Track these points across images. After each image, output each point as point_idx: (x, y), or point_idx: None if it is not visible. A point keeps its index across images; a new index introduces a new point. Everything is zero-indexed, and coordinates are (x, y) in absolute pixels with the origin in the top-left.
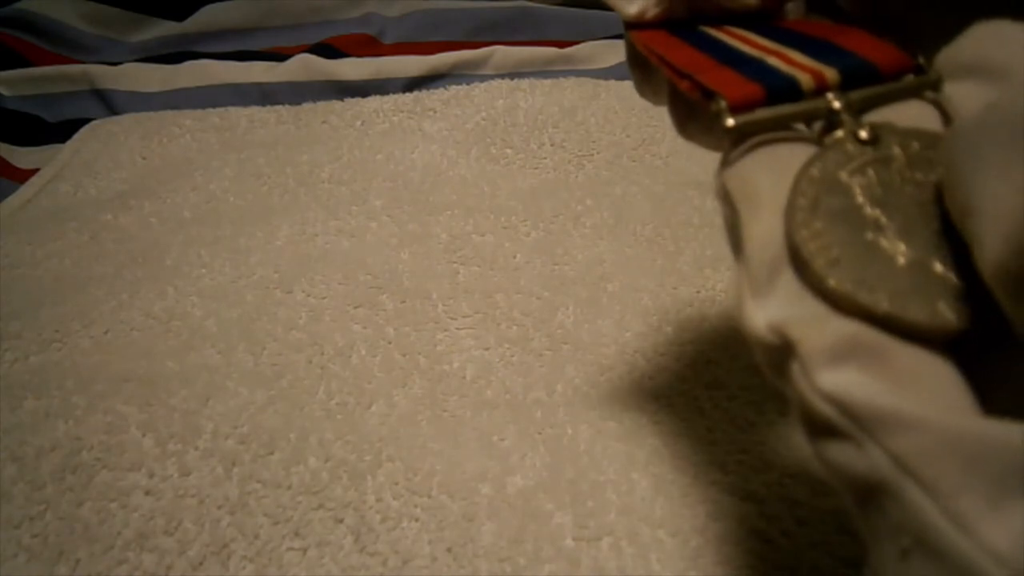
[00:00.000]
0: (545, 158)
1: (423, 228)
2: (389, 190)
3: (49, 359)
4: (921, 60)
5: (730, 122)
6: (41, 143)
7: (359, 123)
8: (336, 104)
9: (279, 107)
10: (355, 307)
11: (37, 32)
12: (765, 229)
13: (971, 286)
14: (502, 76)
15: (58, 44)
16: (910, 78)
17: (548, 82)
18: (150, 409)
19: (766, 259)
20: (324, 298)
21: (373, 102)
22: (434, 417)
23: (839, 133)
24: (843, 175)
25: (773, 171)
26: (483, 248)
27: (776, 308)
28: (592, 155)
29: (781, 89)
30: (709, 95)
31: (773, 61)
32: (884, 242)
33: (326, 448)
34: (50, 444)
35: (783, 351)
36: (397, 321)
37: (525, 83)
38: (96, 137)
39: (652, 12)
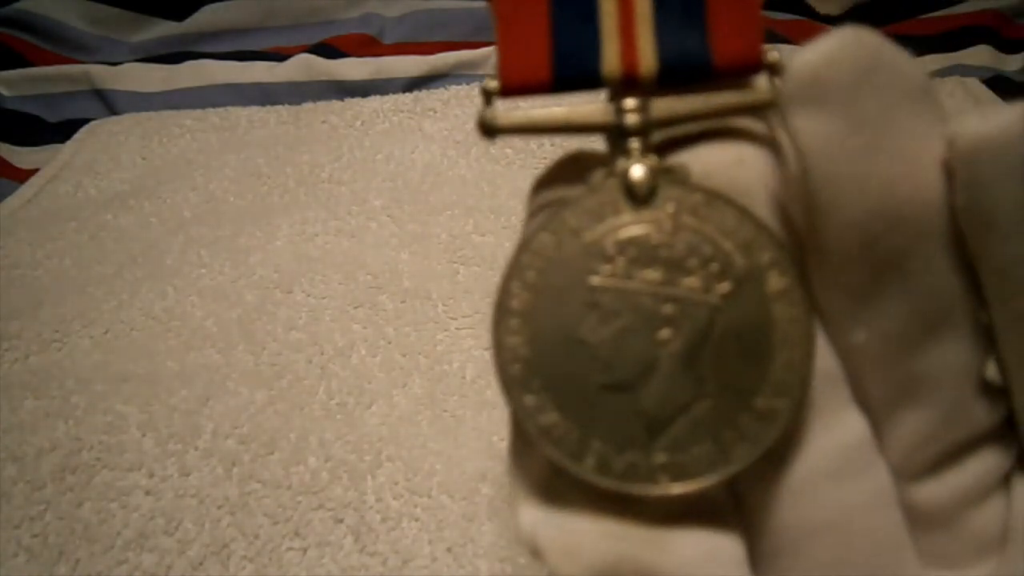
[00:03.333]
0: (545, 158)
1: (423, 228)
2: (389, 190)
3: (49, 359)
4: (773, 59)
5: (486, 115)
6: (41, 143)
7: (359, 123)
8: (336, 104)
9: (279, 107)
10: (355, 307)
11: (37, 32)
12: None
13: (681, 417)
14: None
15: (58, 44)
16: (750, 88)
17: None
18: (150, 409)
19: None
20: (324, 298)
21: (373, 102)
22: (434, 417)
23: (607, 173)
24: (582, 243)
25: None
26: (483, 248)
27: (532, 507)
28: None
29: (573, 73)
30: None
31: (606, 18)
32: (593, 358)
33: (326, 448)
34: (50, 444)
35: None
36: (397, 321)
37: None
38: (96, 137)
39: None
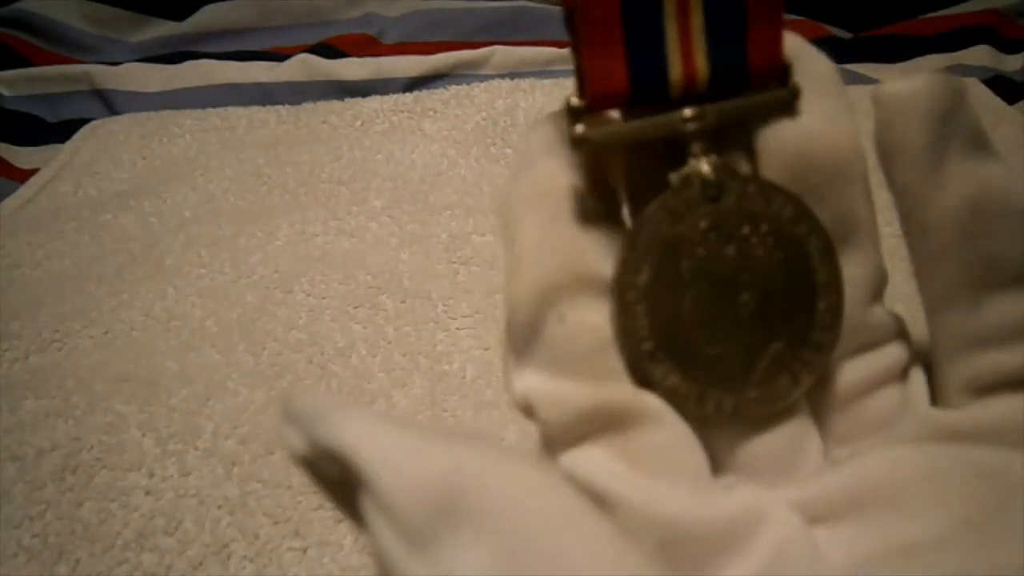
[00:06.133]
0: None
1: (423, 228)
2: (389, 190)
3: (49, 359)
4: (788, 60)
5: (578, 130)
6: (41, 143)
7: (359, 123)
8: (336, 104)
9: (279, 107)
10: (355, 307)
11: (37, 32)
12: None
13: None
14: (502, 76)
15: (58, 44)
16: (769, 91)
17: (548, 82)
18: (150, 409)
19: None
20: (324, 298)
21: (373, 102)
22: (434, 417)
23: (685, 172)
24: (674, 235)
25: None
26: (483, 248)
27: (529, 376)
28: None
29: (648, 86)
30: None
31: (670, 34)
32: (697, 326)
33: None
34: (50, 444)
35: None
36: (397, 321)
37: (525, 83)
38: (96, 137)
39: None
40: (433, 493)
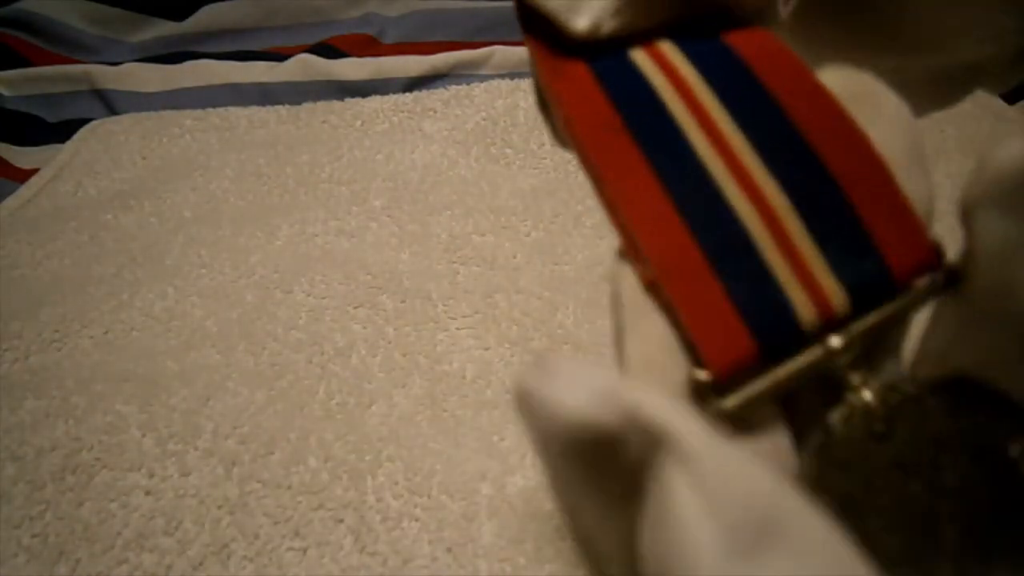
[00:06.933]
0: (545, 158)
1: (423, 228)
2: (389, 190)
3: (49, 359)
4: (948, 260)
5: (725, 406)
6: (41, 143)
7: (359, 123)
8: (336, 104)
9: (279, 107)
10: (355, 307)
11: (37, 32)
12: None
13: None
14: (502, 76)
15: (58, 44)
16: (924, 281)
17: None
18: (150, 409)
19: None
20: (324, 298)
21: (373, 102)
22: (434, 417)
23: (846, 411)
24: (857, 484)
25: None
26: (483, 248)
27: None
28: None
29: (777, 335)
30: (685, 335)
31: (777, 270)
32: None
33: (326, 448)
34: (50, 444)
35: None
36: (397, 321)
37: (525, 83)
38: (96, 137)
39: (609, 26)
40: (759, 505)
